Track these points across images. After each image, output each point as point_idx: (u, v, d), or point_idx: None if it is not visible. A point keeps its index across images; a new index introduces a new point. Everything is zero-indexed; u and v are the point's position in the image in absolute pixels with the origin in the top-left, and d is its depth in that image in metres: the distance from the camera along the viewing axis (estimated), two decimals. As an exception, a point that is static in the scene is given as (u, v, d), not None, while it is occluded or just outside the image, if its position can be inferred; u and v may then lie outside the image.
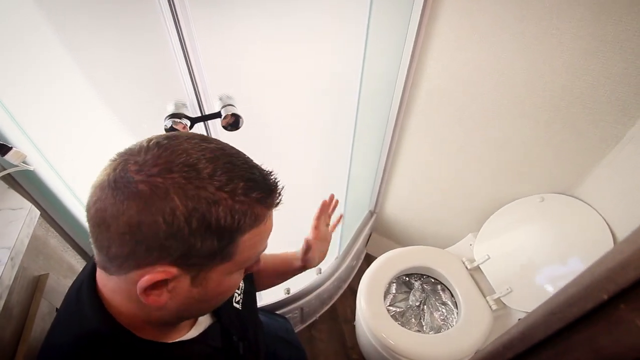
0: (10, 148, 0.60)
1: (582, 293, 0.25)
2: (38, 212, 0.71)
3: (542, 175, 1.07)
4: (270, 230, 0.45)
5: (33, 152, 0.69)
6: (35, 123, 0.67)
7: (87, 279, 0.45)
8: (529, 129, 1.00)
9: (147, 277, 0.36)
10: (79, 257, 0.92)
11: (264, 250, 0.46)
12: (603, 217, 0.94)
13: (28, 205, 0.69)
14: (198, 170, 0.36)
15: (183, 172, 0.35)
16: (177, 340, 0.49)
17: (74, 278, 0.80)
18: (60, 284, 0.79)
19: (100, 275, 0.44)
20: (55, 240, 0.83)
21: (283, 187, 0.44)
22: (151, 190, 0.34)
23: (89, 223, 0.37)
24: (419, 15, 0.95)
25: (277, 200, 0.43)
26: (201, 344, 0.52)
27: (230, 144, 0.43)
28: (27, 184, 0.74)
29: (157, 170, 0.35)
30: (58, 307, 0.76)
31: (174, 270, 0.37)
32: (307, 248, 0.77)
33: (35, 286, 0.72)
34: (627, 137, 0.86)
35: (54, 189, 0.77)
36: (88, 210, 0.37)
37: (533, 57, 0.88)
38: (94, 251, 0.39)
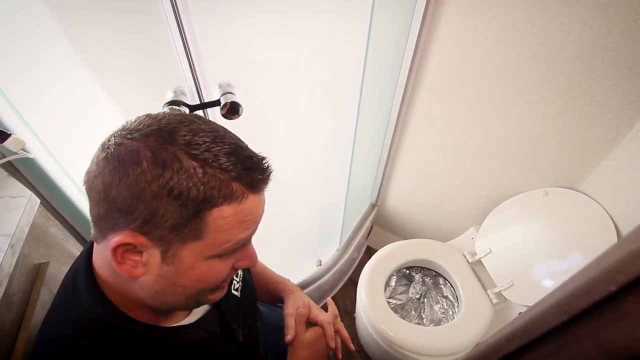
0: (9, 135, 0.60)
1: (590, 284, 0.25)
2: (38, 200, 0.71)
3: (546, 169, 1.06)
4: (254, 216, 0.42)
5: (33, 140, 0.68)
6: (33, 110, 0.66)
7: (83, 263, 0.45)
8: (534, 122, 0.99)
9: (115, 239, 0.37)
10: (79, 245, 0.92)
11: (246, 238, 0.43)
12: (607, 212, 0.93)
13: (28, 193, 0.69)
14: (174, 137, 0.36)
15: (159, 137, 0.36)
16: (173, 325, 0.49)
17: (74, 266, 0.79)
18: (61, 272, 0.79)
19: (95, 254, 0.45)
20: (55, 229, 0.83)
21: (271, 171, 0.43)
22: (125, 152, 0.36)
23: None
24: (423, 8, 0.93)
25: (261, 183, 0.41)
26: (198, 329, 0.51)
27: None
28: (27, 172, 0.74)
29: (137, 134, 0.37)
30: (59, 294, 0.76)
31: (140, 238, 0.37)
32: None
33: (36, 274, 0.72)
34: (634, 130, 0.84)
35: (54, 177, 0.77)
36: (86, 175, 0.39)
37: (540, 47, 0.86)
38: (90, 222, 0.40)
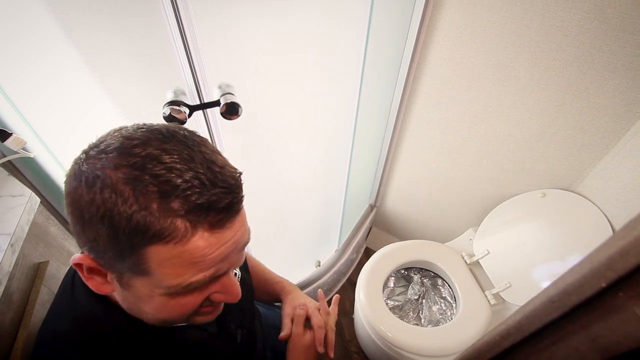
0: (10, 134, 0.60)
1: (581, 281, 0.25)
2: (38, 200, 0.72)
3: (544, 171, 1.07)
4: (211, 256, 0.35)
5: (33, 139, 0.68)
6: (34, 109, 0.67)
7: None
8: (532, 123, 0.99)
9: (75, 257, 0.37)
10: (79, 245, 0.92)
11: (201, 280, 0.37)
12: (604, 214, 0.94)
13: (28, 192, 0.69)
14: (127, 157, 0.32)
15: (110, 155, 0.33)
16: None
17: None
18: (61, 272, 0.79)
19: None
20: (55, 228, 0.83)
21: (238, 202, 0.37)
22: (75, 170, 0.34)
23: None
24: (422, 7, 0.94)
25: (222, 220, 0.35)
26: (196, 329, 0.52)
27: (205, 140, 0.39)
28: (27, 171, 0.74)
29: (94, 151, 0.34)
30: (58, 294, 0.76)
31: (92, 262, 0.36)
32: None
33: (35, 273, 0.73)
34: (630, 132, 0.85)
35: (54, 176, 0.77)
36: None
37: (538, 50, 0.87)
38: None
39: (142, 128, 0.36)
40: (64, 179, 0.36)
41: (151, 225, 0.32)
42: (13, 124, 0.64)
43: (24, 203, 0.67)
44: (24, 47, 0.59)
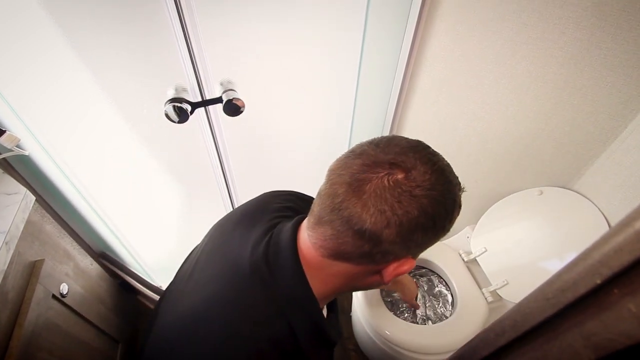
0: (4, 131, 0.60)
1: (576, 278, 0.25)
2: (33, 198, 0.71)
3: (542, 169, 1.07)
4: None
5: (27, 136, 0.68)
6: (29, 106, 0.66)
7: (290, 252, 0.47)
8: (529, 121, 0.99)
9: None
10: (75, 243, 0.92)
11: None
12: (601, 211, 0.94)
13: (23, 190, 0.69)
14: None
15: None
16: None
17: (70, 264, 0.80)
18: (56, 270, 0.79)
19: (314, 256, 0.47)
20: (50, 226, 0.83)
21: None
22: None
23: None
24: (420, 3, 0.93)
25: None
26: (332, 326, 0.55)
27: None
28: (22, 169, 0.74)
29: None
30: (54, 292, 0.76)
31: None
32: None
33: (30, 271, 0.72)
34: (628, 129, 0.85)
35: (49, 174, 0.76)
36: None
37: (535, 47, 0.87)
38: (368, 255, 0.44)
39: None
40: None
41: None
42: (6, 121, 0.64)
43: (18, 201, 0.67)
44: (22, 47, 0.58)
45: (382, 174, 0.42)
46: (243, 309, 0.45)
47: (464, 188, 0.55)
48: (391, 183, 0.41)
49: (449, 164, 0.51)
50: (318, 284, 0.47)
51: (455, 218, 0.51)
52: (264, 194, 0.66)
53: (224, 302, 0.46)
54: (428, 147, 0.50)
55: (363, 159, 0.44)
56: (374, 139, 0.49)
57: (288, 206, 0.61)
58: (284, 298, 0.45)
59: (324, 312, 0.57)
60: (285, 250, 0.47)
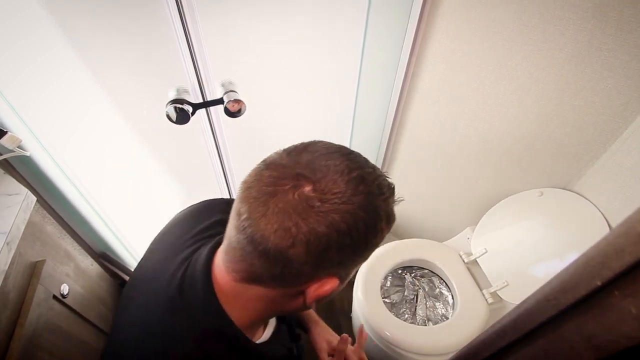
0: (5, 132, 0.60)
1: (577, 279, 0.25)
2: (34, 198, 0.71)
3: (542, 170, 1.07)
4: None
5: (29, 137, 0.68)
6: (30, 107, 0.66)
7: (202, 274, 0.44)
8: (529, 122, 0.99)
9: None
10: (75, 244, 0.92)
11: None
12: (602, 213, 0.94)
13: (24, 191, 0.69)
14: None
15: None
16: (259, 341, 0.50)
17: (70, 264, 0.80)
18: (57, 271, 0.79)
19: (227, 281, 0.43)
20: (51, 227, 0.83)
21: None
22: None
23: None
24: (421, 3, 0.94)
25: None
26: (277, 344, 0.53)
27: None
28: (23, 170, 0.74)
29: None
30: (54, 293, 0.76)
31: None
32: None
33: (31, 272, 0.72)
34: (628, 131, 0.85)
35: (50, 175, 0.77)
36: None
37: (535, 48, 0.87)
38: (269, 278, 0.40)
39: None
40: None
41: None
42: (8, 122, 0.64)
43: (20, 202, 0.67)
44: (22, 47, 0.58)
45: (288, 186, 0.37)
46: (159, 345, 0.43)
47: (399, 197, 0.49)
48: (296, 197, 0.36)
49: (374, 171, 0.43)
50: (238, 311, 0.43)
51: (383, 231, 0.45)
52: (197, 205, 0.62)
53: (143, 337, 0.44)
54: (350, 152, 0.43)
55: (271, 170, 0.39)
56: (293, 146, 0.43)
57: (218, 220, 0.56)
58: (199, 330, 0.42)
59: (272, 325, 0.55)
60: (199, 280, 0.44)
